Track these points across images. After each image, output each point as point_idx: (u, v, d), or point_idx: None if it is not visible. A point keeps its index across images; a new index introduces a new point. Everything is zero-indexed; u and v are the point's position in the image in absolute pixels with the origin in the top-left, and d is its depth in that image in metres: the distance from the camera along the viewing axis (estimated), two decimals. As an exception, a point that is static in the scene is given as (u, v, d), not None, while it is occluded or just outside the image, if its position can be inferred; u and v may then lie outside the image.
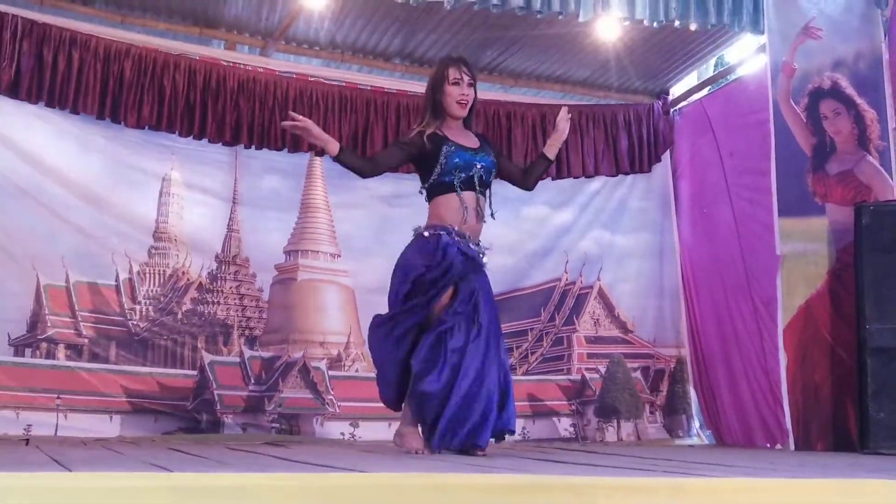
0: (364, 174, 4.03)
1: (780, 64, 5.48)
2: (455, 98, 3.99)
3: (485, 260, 4.01)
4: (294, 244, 6.11)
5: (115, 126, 5.59)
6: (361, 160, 4.11)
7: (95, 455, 3.53)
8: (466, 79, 4.01)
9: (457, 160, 3.93)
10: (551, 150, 4.16)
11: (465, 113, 4.04)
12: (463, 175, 3.93)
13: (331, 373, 5.95)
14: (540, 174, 4.26)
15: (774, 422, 5.57)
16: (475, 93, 4.08)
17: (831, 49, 5.31)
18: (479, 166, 3.97)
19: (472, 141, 4.07)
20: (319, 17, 5.84)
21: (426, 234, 3.92)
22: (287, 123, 3.92)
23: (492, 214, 4.05)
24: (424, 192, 4.02)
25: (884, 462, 3.77)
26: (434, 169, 3.94)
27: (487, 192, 4.05)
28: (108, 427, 5.36)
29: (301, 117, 3.90)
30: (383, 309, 4.02)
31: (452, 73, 4.00)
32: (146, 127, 5.62)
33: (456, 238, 3.89)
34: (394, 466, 2.88)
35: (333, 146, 3.87)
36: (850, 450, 4.79)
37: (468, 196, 3.95)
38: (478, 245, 3.99)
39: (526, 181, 4.24)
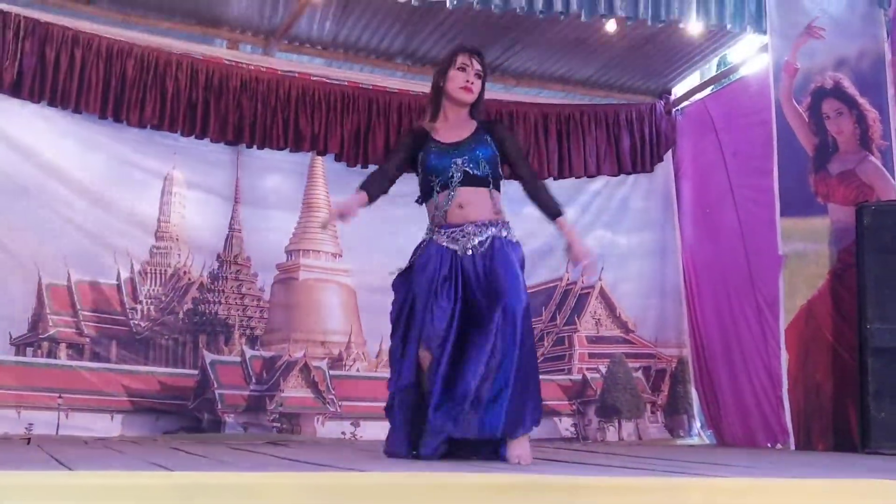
0: (385, 191, 3.85)
1: (782, 63, 5.48)
2: (458, 83, 3.73)
3: (489, 233, 3.75)
4: (295, 243, 6.11)
5: (117, 125, 5.59)
6: (378, 183, 3.82)
7: (97, 454, 3.54)
8: (475, 67, 3.76)
9: (433, 163, 3.72)
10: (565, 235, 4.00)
11: (469, 98, 3.77)
12: (439, 179, 3.70)
13: (332, 372, 5.96)
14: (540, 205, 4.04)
15: (776, 422, 5.57)
16: (483, 86, 3.81)
17: (833, 49, 5.30)
18: (458, 163, 3.68)
19: (463, 132, 3.76)
20: (322, 17, 5.84)
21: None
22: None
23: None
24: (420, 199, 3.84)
25: (884, 462, 3.77)
26: (418, 172, 3.79)
27: (477, 183, 3.72)
28: (109, 426, 5.37)
29: (332, 212, 3.80)
30: (385, 309, 3.88)
31: (461, 59, 3.76)
32: (148, 126, 5.62)
33: (435, 237, 3.72)
34: (394, 466, 2.88)
35: (362, 201, 3.72)
36: (850, 450, 4.78)
37: (442, 196, 3.70)
38: (473, 225, 3.70)
39: (530, 196, 4.05)
